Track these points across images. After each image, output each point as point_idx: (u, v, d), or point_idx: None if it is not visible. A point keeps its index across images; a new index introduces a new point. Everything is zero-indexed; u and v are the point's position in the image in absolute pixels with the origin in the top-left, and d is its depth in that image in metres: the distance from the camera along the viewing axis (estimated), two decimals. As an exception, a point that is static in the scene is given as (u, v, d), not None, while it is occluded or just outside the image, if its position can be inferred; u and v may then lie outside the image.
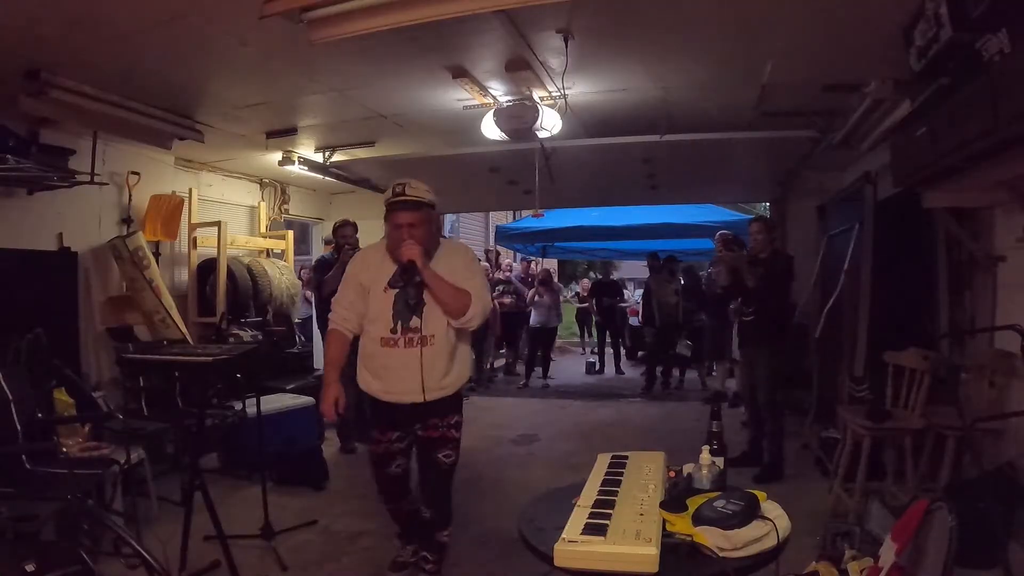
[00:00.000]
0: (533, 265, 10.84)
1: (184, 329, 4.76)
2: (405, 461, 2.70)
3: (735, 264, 4.50)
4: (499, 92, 3.88)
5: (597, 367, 9.78)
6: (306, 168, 5.59)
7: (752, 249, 4.56)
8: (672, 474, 1.99)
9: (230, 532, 2.89)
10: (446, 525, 2.77)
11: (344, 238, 4.89)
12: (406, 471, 2.73)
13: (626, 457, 2.10)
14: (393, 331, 2.48)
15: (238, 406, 4.30)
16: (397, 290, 2.47)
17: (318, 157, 5.54)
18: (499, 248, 12.62)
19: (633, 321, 10.18)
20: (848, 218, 4.87)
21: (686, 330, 8.14)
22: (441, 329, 2.50)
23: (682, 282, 8.06)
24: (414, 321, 2.47)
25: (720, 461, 1.95)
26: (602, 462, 2.09)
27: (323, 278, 4.71)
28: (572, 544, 1.52)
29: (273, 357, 5.57)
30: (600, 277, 10.54)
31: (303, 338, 6.32)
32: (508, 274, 9.27)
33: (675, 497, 1.78)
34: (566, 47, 3.14)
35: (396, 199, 2.47)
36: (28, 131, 3.87)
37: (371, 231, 4.46)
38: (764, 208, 9.38)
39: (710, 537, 1.56)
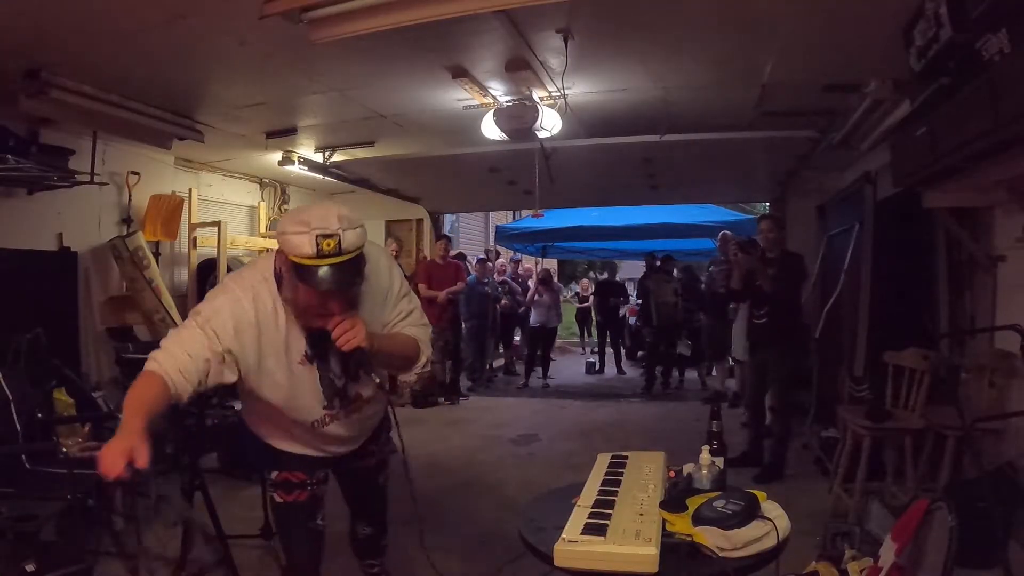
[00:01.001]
0: (523, 265, 10.81)
1: (184, 329, 4.75)
2: (324, 509, 2.16)
3: (751, 267, 4.42)
4: (499, 92, 3.88)
5: (597, 367, 9.78)
6: (306, 168, 5.59)
7: (762, 248, 4.53)
8: (672, 474, 1.98)
9: (230, 532, 2.89)
10: (386, 532, 2.44)
11: None
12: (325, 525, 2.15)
13: (626, 457, 2.10)
14: (329, 407, 1.94)
15: (238, 406, 4.29)
16: (316, 361, 1.86)
17: (318, 157, 5.53)
18: (499, 248, 12.62)
19: (633, 321, 10.20)
20: (848, 218, 4.87)
21: (685, 330, 8.15)
22: (382, 376, 1.93)
23: (679, 281, 8.07)
24: (351, 389, 1.96)
25: (720, 461, 1.94)
26: (602, 462, 2.09)
27: None
28: (572, 544, 1.52)
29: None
30: (606, 276, 10.57)
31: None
32: (503, 275, 9.29)
33: (675, 497, 1.77)
34: (566, 47, 3.14)
35: (328, 261, 1.61)
36: (28, 131, 3.88)
37: (371, 232, 4.44)
38: (764, 208, 9.37)
39: (710, 537, 1.56)
